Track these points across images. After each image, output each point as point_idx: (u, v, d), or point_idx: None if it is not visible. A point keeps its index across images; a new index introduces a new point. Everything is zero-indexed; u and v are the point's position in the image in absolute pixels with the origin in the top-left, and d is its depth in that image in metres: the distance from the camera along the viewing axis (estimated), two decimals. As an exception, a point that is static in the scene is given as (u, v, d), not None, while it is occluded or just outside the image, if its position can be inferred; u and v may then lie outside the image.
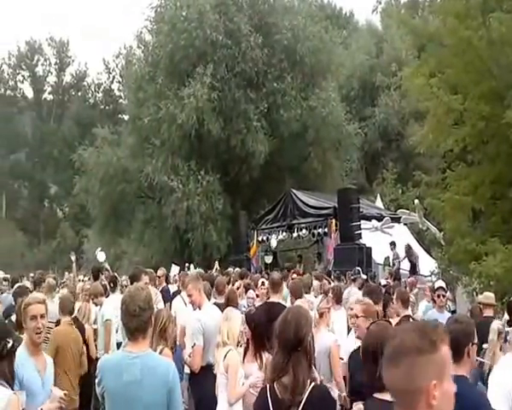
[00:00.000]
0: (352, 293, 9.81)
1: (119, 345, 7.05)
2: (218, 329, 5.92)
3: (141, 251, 25.42)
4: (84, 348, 6.35)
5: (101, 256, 20.58)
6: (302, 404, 2.61)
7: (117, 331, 7.46)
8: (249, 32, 22.28)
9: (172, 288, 10.58)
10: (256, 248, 19.51)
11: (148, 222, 24.36)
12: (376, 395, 2.63)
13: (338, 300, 7.60)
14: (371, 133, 28.17)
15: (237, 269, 14.56)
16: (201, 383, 5.48)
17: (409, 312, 6.14)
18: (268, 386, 2.76)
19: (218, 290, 7.40)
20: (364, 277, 11.32)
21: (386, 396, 2.53)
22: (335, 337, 5.50)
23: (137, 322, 3.03)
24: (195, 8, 22.38)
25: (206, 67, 21.46)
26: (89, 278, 13.05)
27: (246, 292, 8.72)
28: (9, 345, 3.17)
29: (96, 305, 8.01)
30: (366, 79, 29.61)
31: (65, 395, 3.59)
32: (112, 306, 7.59)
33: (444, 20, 11.63)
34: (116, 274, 11.09)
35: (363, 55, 29.88)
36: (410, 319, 5.69)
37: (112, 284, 9.13)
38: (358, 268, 11.65)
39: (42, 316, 3.68)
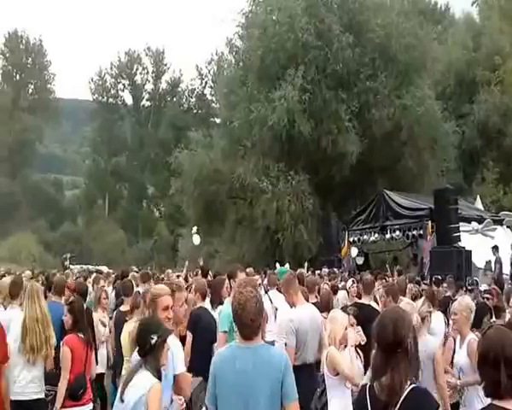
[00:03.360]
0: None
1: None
2: (314, 328, 5.94)
3: (232, 250, 25.97)
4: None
5: (196, 239, 21.44)
6: (399, 405, 2.58)
7: None
8: (340, 31, 22.09)
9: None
10: (347, 248, 19.30)
11: (239, 222, 24.86)
12: (496, 403, 2.50)
13: (433, 303, 7.33)
14: (469, 131, 26.91)
15: (325, 269, 14.52)
16: (301, 379, 5.53)
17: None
18: (368, 385, 2.76)
19: (308, 289, 7.41)
20: (485, 287, 10.59)
21: (507, 404, 2.46)
22: (439, 342, 5.34)
23: (257, 318, 3.15)
24: (286, 11, 22.56)
25: (297, 70, 21.55)
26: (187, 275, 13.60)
27: (334, 293, 8.69)
28: (153, 341, 3.36)
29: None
30: (463, 74, 28.32)
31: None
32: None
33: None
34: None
35: (459, 50, 28.60)
36: None
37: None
38: (476, 279, 11.09)
39: (171, 307, 3.96)
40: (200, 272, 11.67)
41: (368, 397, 2.70)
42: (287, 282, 6.11)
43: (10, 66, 67.05)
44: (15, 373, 5.14)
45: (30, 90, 68.82)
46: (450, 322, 7.65)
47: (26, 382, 5.16)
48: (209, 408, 3.18)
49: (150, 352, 3.37)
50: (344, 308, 6.00)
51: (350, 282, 8.50)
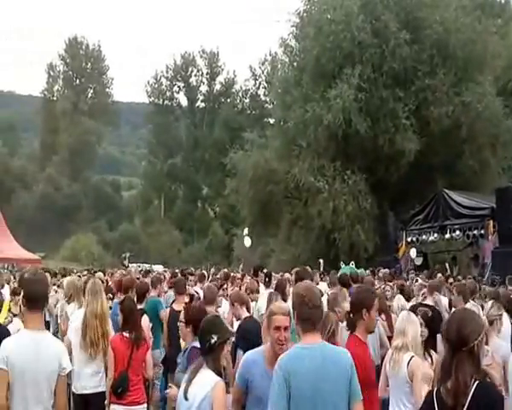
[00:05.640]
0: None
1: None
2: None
3: (288, 250, 26.06)
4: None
5: (247, 241, 21.78)
6: (466, 406, 2.56)
7: None
8: (397, 29, 21.84)
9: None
10: (405, 248, 19.06)
11: (294, 222, 24.90)
12: None
13: (505, 306, 7.16)
14: (532, 127, 25.85)
15: (386, 270, 14.40)
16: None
17: None
18: (435, 389, 2.73)
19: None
20: None
21: None
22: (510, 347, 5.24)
23: (318, 313, 3.17)
24: (342, 10, 22.51)
25: (354, 68, 21.47)
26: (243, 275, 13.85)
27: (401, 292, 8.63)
28: (213, 341, 3.35)
29: (252, 300, 8.50)
30: (525, 68, 27.25)
31: None
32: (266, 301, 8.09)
33: None
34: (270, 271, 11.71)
35: (521, 44, 27.54)
36: None
37: (267, 279, 9.70)
38: None
39: (285, 328, 3.61)
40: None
41: (435, 402, 2.68)
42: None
43: (71, 71, 69.86)
44: (77, 368, 5.31)
45: (89, 95, 71.45)
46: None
47: (88, 376, 5.32)
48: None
49: (209, 352, 3.37)
50: (413, 309, 5.96)
51: (419, 280, 8.42)
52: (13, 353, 3.49)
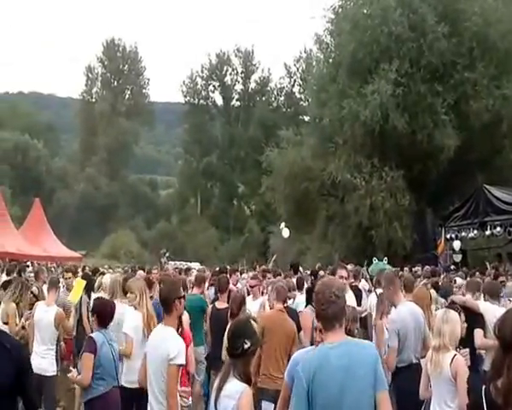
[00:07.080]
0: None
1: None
2: (416, 326, 5.91)
3: (324, 247, 26.02)
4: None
5: (285, 232, 21.91)
6: None
7: None
8: (435, 22, 21.45)
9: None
10: (444, 245, 18.78)
11: (330, 219, 24.83)
12: None
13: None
14: None
15: (427, 267, 14.18)
16: (403, 381, 5.53)
17: None
18: (484, 386, 2.68)
19: (406, 288, 7.40)
20: None
21: None
22: None
23: (333, 308, 3.03)
24: (379, 4, 22.26)
25: (391, 63, 21.21)
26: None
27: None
28: (246, 346, 3.27)
29: (289, 298, 8.57)
30: None
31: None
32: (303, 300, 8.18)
33: None
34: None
35: None
36: None
37: (302, 283, 9.79)
38: None
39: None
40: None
41: (484, 399, 2.64)
42: (388, 279, 6.15)
43: (109, 73, 71.19)
44: (133, 364, 5.39)
45: (127, 96, 72.69)
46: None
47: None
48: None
49: (241, 356, 3.29)
50: (451, 306, 5.91)
51: (460, 280, 8.32)
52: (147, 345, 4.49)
